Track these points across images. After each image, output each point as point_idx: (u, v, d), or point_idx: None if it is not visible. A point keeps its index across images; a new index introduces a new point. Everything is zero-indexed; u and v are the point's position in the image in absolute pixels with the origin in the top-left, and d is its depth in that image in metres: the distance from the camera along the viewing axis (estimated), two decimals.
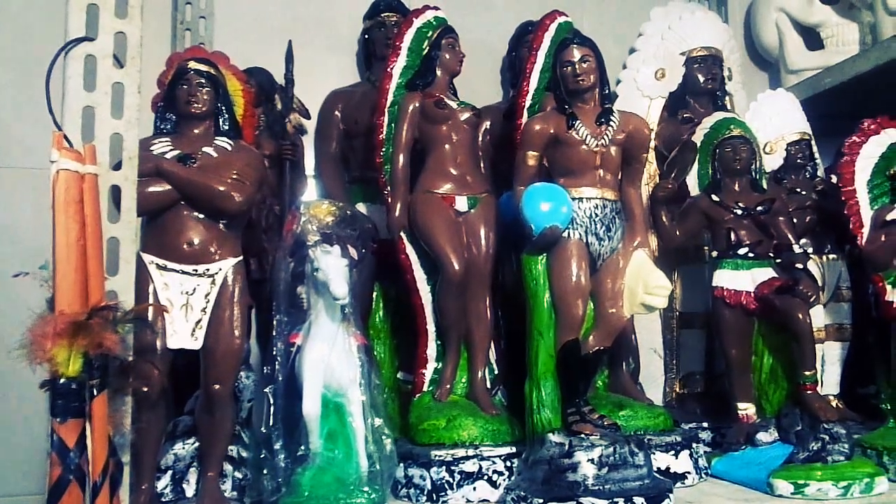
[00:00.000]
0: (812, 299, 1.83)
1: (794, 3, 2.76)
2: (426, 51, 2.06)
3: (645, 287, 1.68)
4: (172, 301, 1.47)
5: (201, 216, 1.51)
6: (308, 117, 2.37)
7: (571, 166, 1.75)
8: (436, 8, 2.14)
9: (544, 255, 1.70)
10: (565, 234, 1.68)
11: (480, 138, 2.14)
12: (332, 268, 1.54)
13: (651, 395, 2.19)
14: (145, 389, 1.36)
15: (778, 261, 1.98)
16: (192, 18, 2.45)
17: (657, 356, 2.39)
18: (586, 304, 1.69)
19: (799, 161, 2.26)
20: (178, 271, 1.47)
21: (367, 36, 2.43)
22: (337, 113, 2.34)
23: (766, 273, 1.97)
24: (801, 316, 1.82)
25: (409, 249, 1.97)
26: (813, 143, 2.30)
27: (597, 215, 1.71)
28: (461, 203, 1.91)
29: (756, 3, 2.90)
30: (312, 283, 1.60)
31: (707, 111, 2.36)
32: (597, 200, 1.73)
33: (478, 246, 1.90)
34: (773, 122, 2.28)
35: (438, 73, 2.06)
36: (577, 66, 1.75)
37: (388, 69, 2.04)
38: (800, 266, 1.91)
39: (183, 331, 1.46)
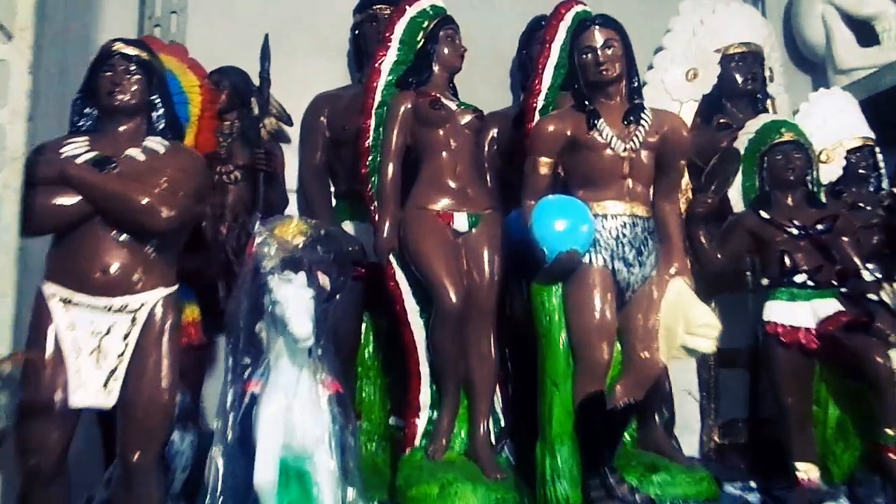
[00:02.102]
0: (892, 339, 1.53)
1: None
2: (421, 44, 1.83)
3: (686, 326, 1.43)
4: (81, 344, 1.17)
5: (121, 236, 1.21)
6: (289, 123, 2.15)
7: (593, 175, 1.52)
8: None
9: (560, 285, 1.47)
10: (586, 260, 1.47)
11: (486, 147, 1.94)
12: (293, 300, 1.28)
13: (685, 445, 1.94)
14: (33, 462, 1.05)
15: (843, 290, 1.72)
16: (162, 13, 2.22)
17: (692, 399, 2.14)
18: (612, 347, 1.45)
19: (861, 171, 2.01)
20: (88, 306, 1.17)
21: (357, 31, 2.19)
22: (322, 119, 2.11)
23: (830, 305, 1.71)
24: (880, 360, 1.55)
25: (399, 276, 1.74)
26: (877, 150, 2.04)
27: (625, 235, 1.49)
28: (460, 221, 1.72)
29: None
30: (270, 319, 1.32)
31: (746, 116, 2.12)
32: (625, 217, 1.50)
33: (480, 272, 1.70)
34: (829, 125, 2.03)
35: (435, 69, 1.82)
36: (599, 53, 1.52)
37: (377, 64, 1.81)
38: (873, 297, 1.63)
39: (93, 383, 1.16)
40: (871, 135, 2.04)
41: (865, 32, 2.50)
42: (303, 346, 1.29)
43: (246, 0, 2.29)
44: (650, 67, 2.31)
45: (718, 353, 2.06)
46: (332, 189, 2.12)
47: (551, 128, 1.53)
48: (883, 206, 1.96)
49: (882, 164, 2.05)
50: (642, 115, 1.51)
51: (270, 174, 1.93)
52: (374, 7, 2.12)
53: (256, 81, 1.96)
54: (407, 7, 1.84)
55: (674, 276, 1.51)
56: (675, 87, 2.22)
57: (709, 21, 2.24)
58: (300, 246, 1.45)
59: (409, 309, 1.73)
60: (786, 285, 1.73)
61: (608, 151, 1.49)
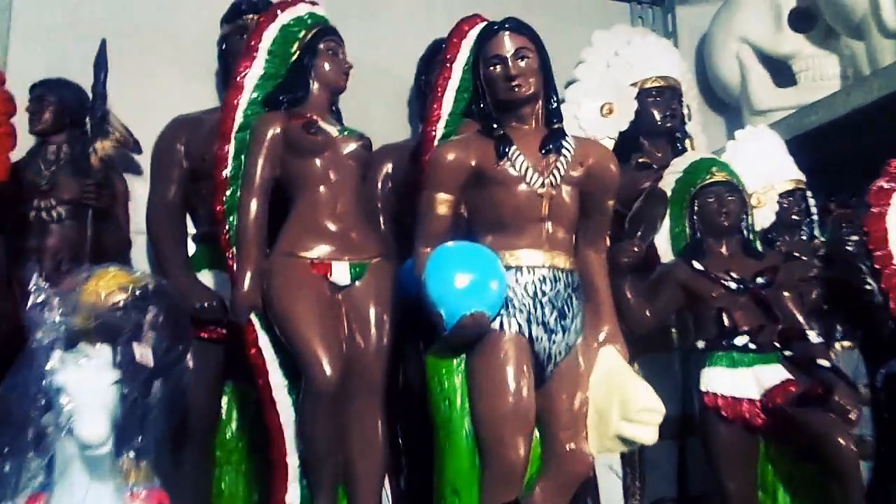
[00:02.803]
0: (854, 416, 1.35)
1: (759, 32, 2.45)
2: (296, 56, 1.61)
3: (623, 410, 1.23)
4: None
5: None
6: (137, 150, 1.89)
7: (504, 217, 1.30)
8: (312, 2, 1.69)
9: (463, 358, 1.24)
10: (495, 325, 1.24)
11: (380, 185, 1.79)
12: (83, 389, 0.95)
13: None
14: None
15: (787, 354, 1.55)
16: None
17: (614, 476, 1.90)
18: (531, 439, 1.23)
19: (794, 217, 1.88)
20: None
21: (224, 46, 1.94)
22: (179, 146, 1.84)
23: (775, 372, 1.53)
24: (841, 441, 1.37)
25: (263, 341, 1.49)
26: (808, 194, 1.93)
27: (544, 293, 1.26)
28: (340, 272, 1.48)
29: (712, 33, 2.58)
30: (54, 414, 0.99)
31: (665, 155, 2.00)
32: (544, 270, 1.28)
33: (365, 336, 1.48)
34: (759, 167, 1.88)
35: (313, 87, 1.61)
36: (510, 65, 1.30)
37: (238, 78, 1.57)
38: (824, 363, 1.46)
39: None
40: (803, 177, 1.94)
41: (782, 72, 2.46)
42: (94, 454, 0.93)
43: (89, 2, 2.01)
44: (562, 101, 2.18)
45: None
46: (194, 231, 1.84)
47: (451, 156, 1.30)
48: (818, 256, 1.85)
49: (815, 210, 1.94)
50: (564, 142, 1.30)
51: (104, 211, 1.70)
52: (245, 17, 1.87)
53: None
54: (279, 12, 1.62)
55: (603, 344, 1.31)
56: (589, 123, 2.06)
57: (624, 52, 2.11)
58: (119, 307, 1.12)
59: (275, 384, 1.48)
60: (725, 349, 1.56)
61: (522, 187, 1.28)
